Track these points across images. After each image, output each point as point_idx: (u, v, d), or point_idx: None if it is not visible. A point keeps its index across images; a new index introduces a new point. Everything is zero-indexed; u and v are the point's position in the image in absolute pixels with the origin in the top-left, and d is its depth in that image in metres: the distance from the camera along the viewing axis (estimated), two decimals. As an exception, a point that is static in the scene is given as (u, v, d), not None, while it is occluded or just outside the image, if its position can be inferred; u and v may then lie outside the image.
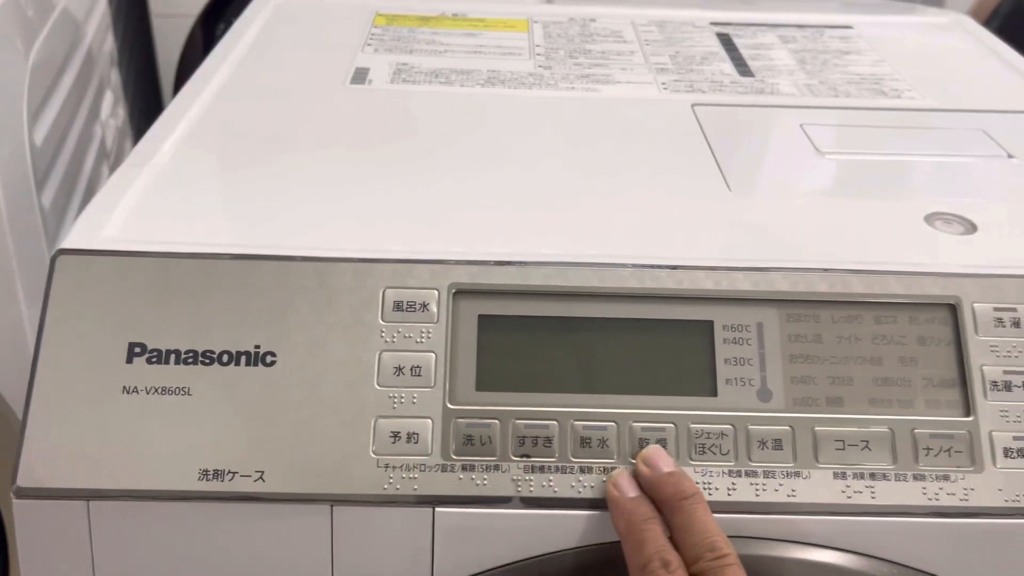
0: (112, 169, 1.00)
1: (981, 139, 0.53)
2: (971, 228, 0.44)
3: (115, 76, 1.08)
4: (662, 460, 0.36)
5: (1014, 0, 1.42)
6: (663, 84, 0.60)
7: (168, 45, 1.29)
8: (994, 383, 0.38)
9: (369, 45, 0.64)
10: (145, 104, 1.29)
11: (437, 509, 0.36)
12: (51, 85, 0.76)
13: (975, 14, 1.45)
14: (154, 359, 0.37)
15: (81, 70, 0.87)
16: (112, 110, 1.03)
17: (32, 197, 0.68)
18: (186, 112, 0.51)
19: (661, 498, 0.35)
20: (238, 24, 0.66)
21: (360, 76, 0.58)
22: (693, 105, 0.56)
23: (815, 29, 0.71)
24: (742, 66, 0.63)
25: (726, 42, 0.68)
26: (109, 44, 1.06)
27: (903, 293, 0.39)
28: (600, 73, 0.61)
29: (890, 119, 0.56)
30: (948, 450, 0.37)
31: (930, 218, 0.44)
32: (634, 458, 0.37)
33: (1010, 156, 0.51)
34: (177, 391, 0.36)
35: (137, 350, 0.37)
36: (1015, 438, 0.37)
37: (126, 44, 1.20)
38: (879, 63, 0.65)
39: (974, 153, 0.51)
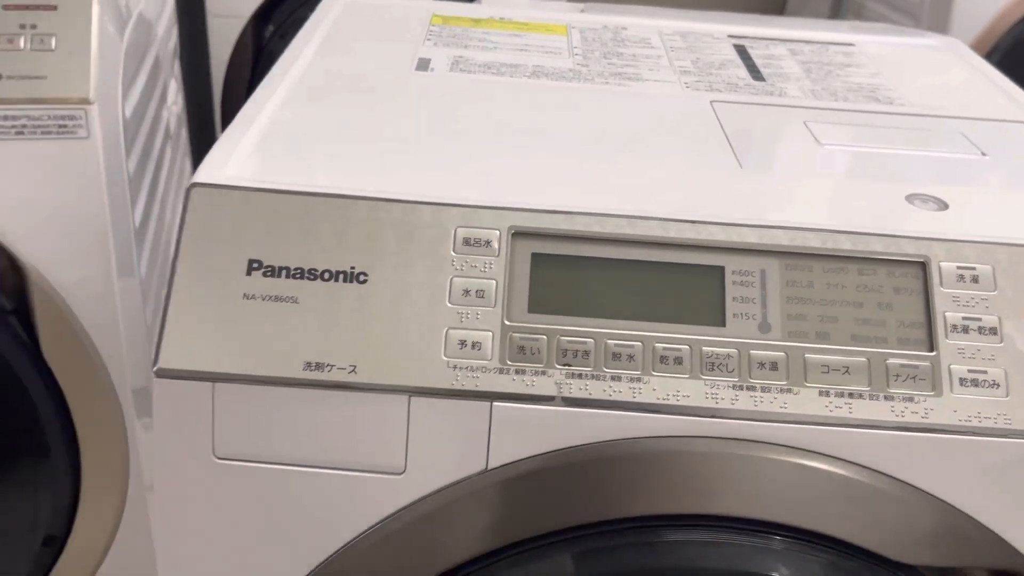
0: (174, 151, 1.09)
1: (959, 140, 0.62)
2: (943, 206, 0.52)
3: (177, 69, 1.18)
4: None
5: (1014, 36, 1.51)
6: (686, 83, 0.68)
7: (221, 43, 1.39)
8: (954, 326, 0.46)
9: (429, 40, 0.73)
10: (198, 95, 1.38)
11: (494, 404, 0.44)
12: (136, 68, 0.85)
13: (977, 47, 1.54)
14: (269, 273, 0.45)
15: (155, 60, 0.97)
16: (175, 98, 1.13)
17: (122, 162, 0.77)
18: (283, 80, 0.60)
19: None
20: (313, 18, 0.75)
21: (423, 64, 0.67)
22: (712, 101, 0.65)
23: (821, 45, 0.80)
24: (755, 72, 0.72)
25: (742, 52, 0.77)
26: (174, 40, 1.15)
27: (882, 251, 0.48)
28: (631, 72, 0.70)
29: (882, 121, 0.65)
30: (914, 378, 0.45)
31: (909, 197, 0.53)
32: (655, 371, 0.45)
33: (983, 154, 0.60)
34: (287, 299, 0.45)
35: (255, 265, 0.45)
36: (969, 371, 0.46)
37: (185, 40, 1.30)
38: (875, 75, 0.73)
39: (952, 151, 0.60)
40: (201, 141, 1.38)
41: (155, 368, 0.43)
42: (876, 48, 0.81)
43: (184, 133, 1.22)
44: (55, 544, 0.80)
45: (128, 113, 0.80)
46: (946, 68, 0.77)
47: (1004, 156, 0.59)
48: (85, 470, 0.80)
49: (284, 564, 0.47)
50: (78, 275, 0.72)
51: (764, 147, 0.59)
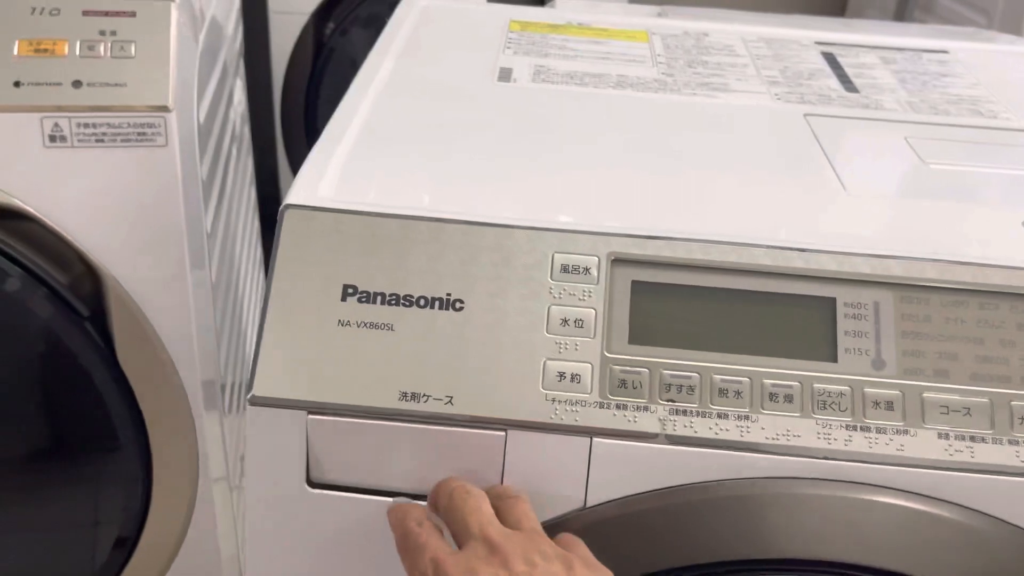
0: (240, 151, 1.09)
1: (1072, 157, 0.58)
2: (1067, 234, 0.49)
3: (242, 68, 1.18)
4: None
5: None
6: (776, 95, 0.66)
7: (282, 40, 1.39)
8: (1084, 366, 0.43)
9: (508, 48, 0.71)
10: (260, 93, 1.39)
11: (594, 439, 0.43)
12: (209, 72, 0.85)
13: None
14: (364, 299, 0.44)
15: (225, 62, 0.97)
16: (240, 97, 1.13)
17: (197, 168, 0.77)
18: (367, 93, 0.59)
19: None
20: (391, 24, 0.74)
21: (505, 75, 0.65)
22: (805, 115, 0.62)
23: (913, 53, 0.77)
24: (847, 83, 0.69)
25: (831, 60, 0.74)
26: (239, 40, 1.15)
27: (1004, 284, 0.45)
28: (718, 82, 0.67)
29: (988, 136, 0.61)
30: (1041, 421, 0.43)
31: (1029, 223, 0.50)
32: (764, 409, 0.43)
33: (1100, 173, 0.56)
34: (382, 326, 0.44)
35: (350, 291, 0.44)
36: (1101, 415, 0.43)
37: (248, 36, 1.30)
38: (975, 86, 0.70)
39: (1065, 168, 0.57)
40: (261, 139, 1.38)
41: (249, 396, 0.43)
42: (971, 56, 0.77)
43: (246, 131, 1.22)
44: (126, 545, 0.81)
45: (202, 118, 0.79)
46: (1048, 78, 0.74)
47: (1124, 176, 0.56)
48: (156, 471, 0.80)
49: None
50: (154, 281, 0.72)
51: (866, 166, 0.56)
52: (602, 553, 0.43)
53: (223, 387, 0.84)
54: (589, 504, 0.43)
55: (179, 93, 0.71)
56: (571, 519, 0.43)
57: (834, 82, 0.69)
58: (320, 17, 1.42)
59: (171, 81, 0.70)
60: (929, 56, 0.76)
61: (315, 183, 0.48)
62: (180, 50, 0.72)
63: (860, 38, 0.79)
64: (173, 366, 0.76)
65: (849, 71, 0.71)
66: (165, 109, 0.69)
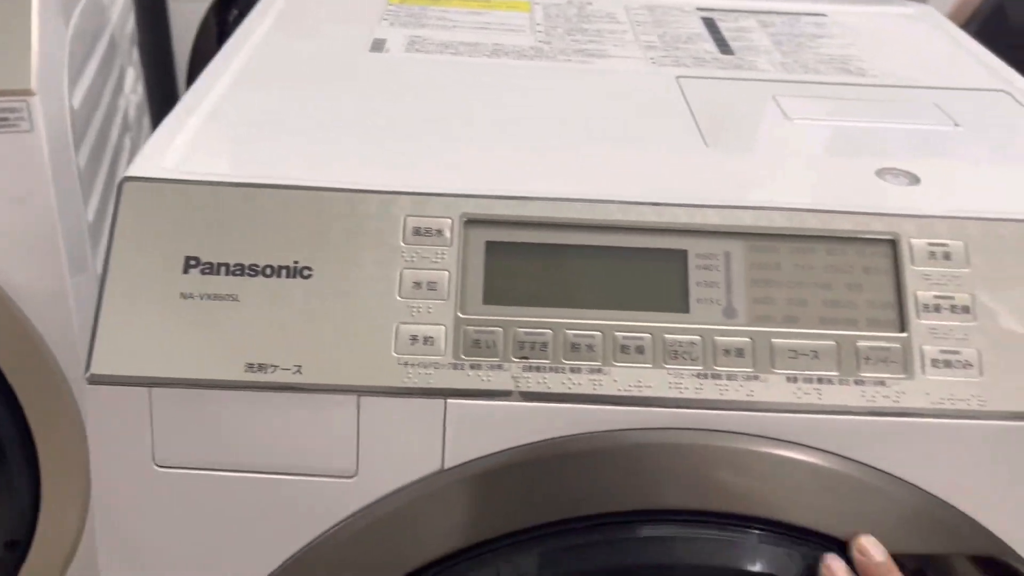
0: (134, 141, 1.06)
1: (932, 111, 0.60)
2: (915, 180, 0.50)
3: (135, 55, 1.14)
4: (875, 550, 0.42)
5: (994, 2, 1.49)
6: (651, 59, 0.66)
7: (183, 29, 1.35)
8: (925, 306, 0.44)
9: (385, 20, 0.70)
10: (161, 83, 1.35)
11: (448, 401, 0.42)
12: (85, 55, 0.82)
13: (955, 15, 1.51)
14: (207, 271, 0.43)
15: (108, 46, 0.93)
16: (133, 86, 1.09)
17: (71, 154, 0.74)
18: (228, 66, 0.57)
19: None
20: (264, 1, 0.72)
21: (378, 46, 0.64)
22: (677, 77, 0.63)
23: (792, 16, 0.78)
24: (724, 46, 0.70)
25: (710, 25, 0.74)
26: (131, 24, 1.12)
27: (851, 230, 0.46)
28: (595, 48, 0.67)
29: (854, 93, 0.62)
30: (884, 361, 0.44)
31: (880, 172, 0.51)
32: (616, 361, 0.43)
33: (956, 125, 0.58)
34: (227, 297, 0.43)
35: (192, 263, 0.43)
36: (941, 352, 0.44)
37: (145, 26, 1.26)
38: (848, 46, 0.71)
39: (924, 122, 0.58)
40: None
41: (88, 374, 0.41)
42: (849, 18, 0.78)
43: (146, 122, 1.18)
44: (17, 549, 0.78)
45: (76, 103, 0.77)
46: (920, 38, 0.75)
47: (978, 126, 0.57)
48: (44, 472, 0.78)
49: (240, 570, 0.45)
50: (28, 274, 0.70)
51: (731, 124, 0.57)
52: (462, 514, 0.43)
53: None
54: (448, 466, 0.43)
55: (44, 76, 0.68)
56: (429, 481, 0.43)
57: (710, 45, 0.70)
58: (223, 4, 1.39)
59: (33, 64, 0.67)
60: (807, 19, 0.77)
61: (159, 155, 0.46)
62: (44, 32, 0.69)
63: (743, 3, 0.80)
64: (57, 363, 0.74)
65: (727, 35, 0.72)
66: (28, 93, 0.67)
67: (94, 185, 0.81)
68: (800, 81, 0.64)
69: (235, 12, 1.42)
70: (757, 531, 0.43)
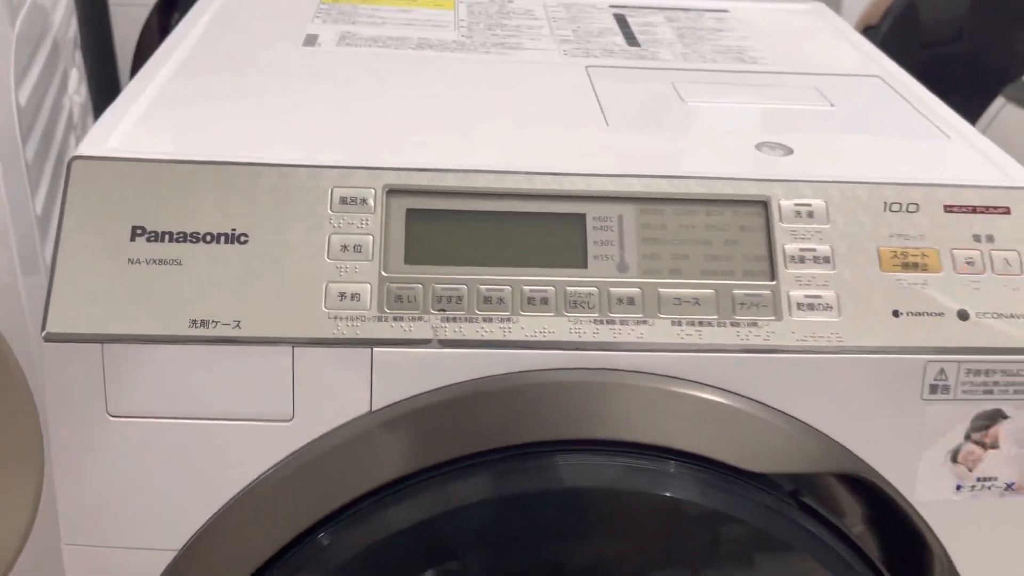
0: (79, 139, 1.08)
1: (812, 93, 0.67)
2: (788, 151, 0.57)
3: (79, 57, 1.17)
4: None
5: (905, 2, 1.58)
6: (564, 51, 0.72)
7: (125, 32, 1.38)
8: (792, 257, 0.51)
9: (318, 17, 0.75)
10: (104, 86, 1.37)
11: (374, 349, 0.47)
12: (30, 55, 0.85)
13: (868, 15, 1.60)
14: (152, 239, 0.47)
15: (52, 48, 0.96)
16: (77, 87, 1.12)
17: (18, 148, 0.77)
18: (168, 58, 0.61)
19: None
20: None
21: (311, 40, 0.69)
22: (587, 66, 0.69)
23: (697, 12, 0.85)
24: (631, 39, 0.76)
25: (621, 21, 0.81)
26: (73, 28, 1.14)
27: (728, 193, 0.52)
28: (513, 41, 0.73)
29: (746, 79, 0.69)
30: (756, 305, 0.50)
31: (759, 145, 0.57)
32: (523, 311, 0.49)
33: (832, 105, 0.65)
34: (171, 262, 0.47)
35: (139, 231, 0.47)
36: (805, 296, 0.50)
37: (89, 29, 1.29)
38: (745, 39, 0.78)
39: (803, 103, 0.65)
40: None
41: (44, 333, 0.45)
42: (748, 14, 0.86)
43: (90, 122, 1.21)
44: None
45: (23, 101, 0.80)
46: (810, 31, 0.83)
47: (850, 106, 0.65)
48: None
49: (184, 513, 0.50)
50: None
51: (631, 106, 0.63)
52: (389, 450, 0.48)
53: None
54: (375, 408, 0.48)
55: (-12, 72, 0.71)
56: (359, 422, 0.48)
57: (620, 39, 0.76)
58: (165, 7, 1.42)
59: (-21, 61, 0.71)
60: (710, 14, 0.84)
61: (105, 137, 0.51)
62: (-11, 32, 0.73)
63: (651, 1, 0.87)
64: (14, 358, 0.77)
65: (635, 29, 0.79)
66: (-31, 91, 0.70)
67: (41, 180, 0.84)
68: (698, 69, 0.70)
69: (176, 16, 1.45)
70: (647, 456, 0.49)
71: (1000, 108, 1.13)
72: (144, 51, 1.43)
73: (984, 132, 1.19)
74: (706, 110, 0.63)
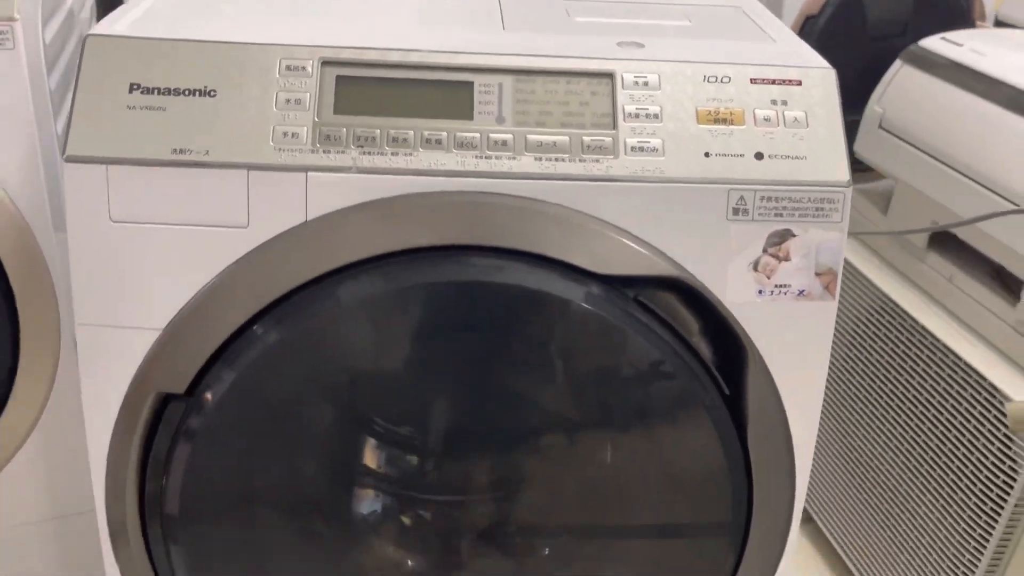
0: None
1: (677, 14, 0.83)
2: (640, 47, 0.73)
3: (94, 19, 1.34)
4: None
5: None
6: (485, -12, 0.89)
7: None
8: (629, 114, 0.67)
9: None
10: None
11: (309, 174, 0.64)
12: (55, 5, 1.03)
13: (808, 6, 1.76)
14: (145, 92, 0.64)
15: (73, 7, 1.14)
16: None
17: (44, 78, 0.94)
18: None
19: None
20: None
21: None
22: (500, -3, 0.86)
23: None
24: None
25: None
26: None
27: (584, 68, 0.68)
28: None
29: (628, 8, 0.86)
30: (600, 148, 0.66)
31: (620, 43, 0.74)
32: (423, 149, 0.65)
33: (689, 22, 0.81)
34: (158, 108, 0.64)
35: (135, 86, 0.64)
36: (638, 141, 0.66)
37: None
38: (640, -17, 0.95)
39: (668, 20, 0.81)
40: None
41: (65, 156, 0.62)
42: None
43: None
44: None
45: (48, 39, 0.97)
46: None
47: (703, 23, 0.81)
48: (24, 337, 0.96)
49: (167, 299, 0.65)
50: (12, 165, 0.89)
51: (527, 20, 0.79)
52: (320, 250, 0.64)
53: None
54: (309, 218, 0.64)
55: (23, 8, 0.89)
56: (298, 229, 0.64)
57: (534, -20, 0.93)
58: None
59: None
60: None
61: (113, 24, 0.67)
62: (22, -25, 0.90)
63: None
64: (38, 244, 0.93)
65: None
66: (11, 19, 0.87)
67: (61, 109, 1.01)
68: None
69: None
70: (521, 259, 0.65)
71: (898, 68, 1.29)
72: None
73: (885, 89, 1.36)
74: (587, 24, 0.79)
